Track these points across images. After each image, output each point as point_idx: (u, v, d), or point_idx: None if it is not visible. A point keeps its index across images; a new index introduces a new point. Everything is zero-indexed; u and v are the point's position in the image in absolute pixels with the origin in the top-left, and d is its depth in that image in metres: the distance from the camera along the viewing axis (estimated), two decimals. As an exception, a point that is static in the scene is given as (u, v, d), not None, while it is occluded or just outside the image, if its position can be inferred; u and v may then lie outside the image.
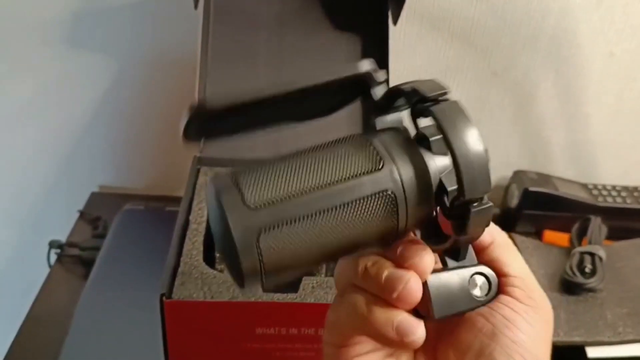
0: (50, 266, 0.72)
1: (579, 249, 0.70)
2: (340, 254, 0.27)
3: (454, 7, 0.75)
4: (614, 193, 0.83)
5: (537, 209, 0.82)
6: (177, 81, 0.80)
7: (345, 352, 0.28)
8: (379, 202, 0.25)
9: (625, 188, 0.85)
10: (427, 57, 0.78)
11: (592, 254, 0.68)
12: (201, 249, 0.51)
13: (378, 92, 0.28)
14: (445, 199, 0.26)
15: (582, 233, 0.73)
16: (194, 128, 0.27)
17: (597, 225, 0.72)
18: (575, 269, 0.67)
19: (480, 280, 0.28)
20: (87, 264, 0.70)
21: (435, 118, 0.25)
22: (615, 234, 0.76)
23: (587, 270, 0.67)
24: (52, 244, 0.73)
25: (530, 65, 0.79)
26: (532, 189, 0.80)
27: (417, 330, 0.26)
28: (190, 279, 0.48)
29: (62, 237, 0.75)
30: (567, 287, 0.66)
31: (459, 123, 0.25)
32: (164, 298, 0.45)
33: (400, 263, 0.26)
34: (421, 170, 0.26)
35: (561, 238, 0.78)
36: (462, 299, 0.27)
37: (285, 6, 0.66)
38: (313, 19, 0.66)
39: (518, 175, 0.84)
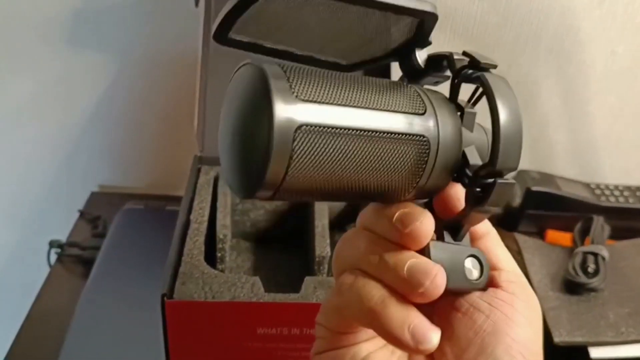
0: (50, 266, 0.72)
1: (581, 248, 0.69)
2: (356, 192, 0.25)
3: (457, 5, 0.74)
4: (616, 193, 0.83)
5: (539, 209, 0.81)
6: (178, 80, 0.80)
7: (341, 339, 0.27)
8: (413, 145, 0.25)
9: (628, 188, 0.84)
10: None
11: (595, 254, 0.68)
12: (202, 248, 0.51)
13: (421, 54, 0.28)
14: (467, 170, 0.26)
15: (584, 233, 0.72)
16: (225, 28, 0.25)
17: (599, 225, 0.72)
18: (578, 269, 0.66)
19: (474, 263, 0.27)
20: (87, 264, 0.69)
21: (485, 84, 0.25)
22: (618, 234, 0.76)
23: (589, 270, 0.66)
24: (52, 244, 0.73)
25: (532, 63, 0.79)
26: (534, 188, 0.80)
27: (434, 338, 0.24)
28: (191, 279, 0.47)
29: (62, 237, 0.75)
30: (569, 287, 0.66)
31: (506, 94, 0.25)
32: (165, 298, 0.45)
33: (400, 228, 0.25)
34: (456, 133, 0.26)
35: (564, 238, 0.77)
36: (456, 277, 0.26)
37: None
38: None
39: (520, 174, 0.84)
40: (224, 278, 0.48)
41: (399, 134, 0.24)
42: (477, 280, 0.27)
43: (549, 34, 0.77)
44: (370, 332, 0.27)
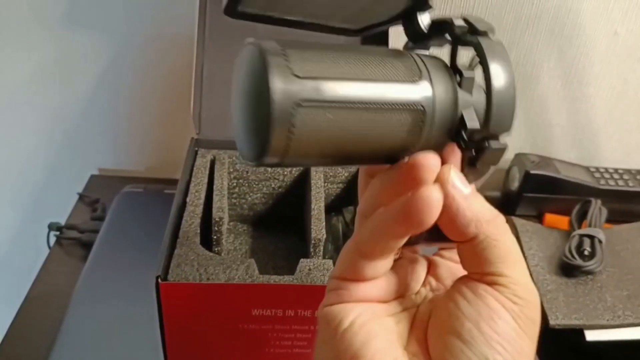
0: (49, 248, 0.72)
1: (578, 231, 0.69)
2: (358, 157, 0.26)
3: (456, -14, 0.74)
4: (616, 176, 0.83)
5: (538, 192, 0.81)
6: (176, 62, 0.79)
7: (350, 292, 0.28)
8: (409, 113, 0.25)
9: (628, 171, 0.84)
10: (428, 37, 0.77)
11: (591, 237, 0.68)
12: (198, 231, 0.51)
13: (424, 19, 0.28)
14: (463, 132, 0.26)
15: (582, 216, 0.72)
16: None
17: (597, 208, 0.72)
18: (574, 252, 0.66)
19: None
20: (86, 246, 0.70)
21: (479, 48, 0.26)
22: (617, 217, 0.76)
23: (586, 253, 0.66)
24: (52, 227, 0.73)
25: (532, 44, 0.78)
26: (533, 171, 0.80)
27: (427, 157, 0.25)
28: (186, 261, 0.47)
29: (62, 220, 0.75)
30: (566, 269, 0.66)
31: (501, 59, 0.26)
32: (159, 280, 0.45)
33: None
34: (452, 99, 0.26)
35: (562, 221, 0.77)
36: None
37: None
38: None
39: (519, 157, 0.83)
40: (218, 260, 0.48)
41: (394, 103, 0.25)
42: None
43: (549, 14, 0.76)
44: (375, 291, 0.28)
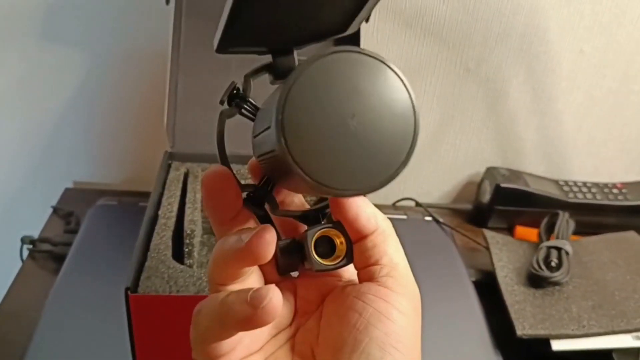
0: (22, 261, 0.72)
1: (545, 243, 0.71)
2: None
3: (426, 4, 0.75)
4: (584, 189, 0.85)
5: (508, 205, 0.83)
6: (151, 76, 0.80)
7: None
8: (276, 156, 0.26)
9: (596, 184, 0.86)
10: (400, 53, 0.78)
11: (558, 249, 0.69)
12: (169, 243, 0.51)
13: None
14: None
15: (550, 228, 0.74)
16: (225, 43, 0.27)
17: (564, 220, 0.73)
18: (541, 263, 0.68)
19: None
20: (59, 259, 0.69)
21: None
22: (585, 229, 0.77)
23: (552, 264, 0.68)
24: (24, 240, 0.73)
25: (502, 61, 0.80)
26: (503, 185, 0.81)
27: (270, 292, 0.24)
28: (156, 274, 0.48)
29: (35, 233, 0.75)
30: (533, 280, 0.68)
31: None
32: (129, 292, 0.45)
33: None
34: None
35: (532, 233, 0.79)
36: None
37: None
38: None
39: (490, 171, 0.85)
40: (189, 273, 0.48)
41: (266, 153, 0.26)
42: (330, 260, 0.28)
43: (517, 32, 0.78)
44: (244, 350, 0.28)
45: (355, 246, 0.28)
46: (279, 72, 0.29)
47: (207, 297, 0.27)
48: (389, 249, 0.28)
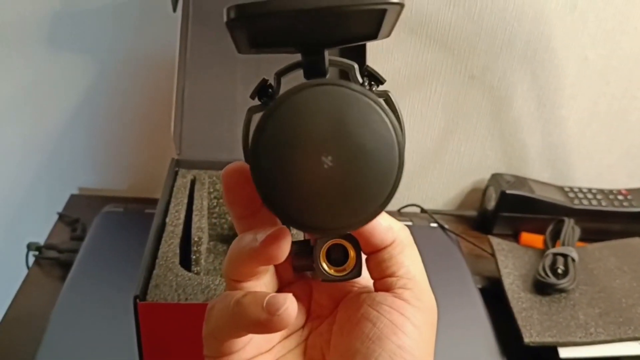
0: (28, 268, 0.72)
1: (551, 250, 0.71)
2: None
3: (432, 12, 0.76)
4: (589, 195, 0.85)
5: (514, 212, 0.83)
6: (158, 83, 0.80)
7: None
8: None
9: (601, 191, 0.86)
10: (405, 61, 0.79)
11: (564, 255, 0.69)
12: (177, 251, 0.51)
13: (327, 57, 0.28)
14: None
15: (555, 235, 0.74)
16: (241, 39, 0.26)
17: (570, 227, 0.73)
18: (547, 270, 0.68)
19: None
20: (65, 266, 0.69)
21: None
22: (590, 236, 0.77)
23: (559, 271, 0.68)
24: (30, 246, 0.73)
25: (506, 68, 0.81)
26: (509, 191, 0.82)
27: (287, 301, 0.24)
28: (165, 282, 0.48)
29: (41, 240, 0.75)
30: (540, 287, 0.67)
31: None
32: (137, 300, 0.45)
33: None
34: None
35: (538, 240, 0.79)
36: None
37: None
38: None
39: (495, 178, 0.85)
40: (197, 280, 0.48)
41: None
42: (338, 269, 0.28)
43: (522, 40, 0.78)
44: (253, 349, 0.28)
45: (371, 257, 0.28)
46: (309, 71, 0.28)
47: (222, 294, 0.27)
48: (406, 260, 0.28)
